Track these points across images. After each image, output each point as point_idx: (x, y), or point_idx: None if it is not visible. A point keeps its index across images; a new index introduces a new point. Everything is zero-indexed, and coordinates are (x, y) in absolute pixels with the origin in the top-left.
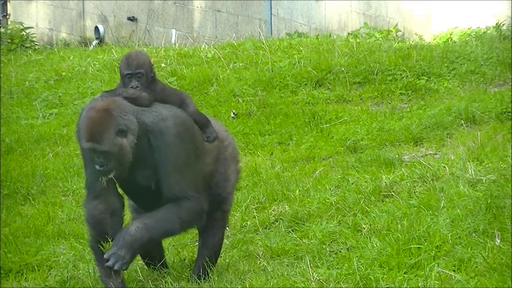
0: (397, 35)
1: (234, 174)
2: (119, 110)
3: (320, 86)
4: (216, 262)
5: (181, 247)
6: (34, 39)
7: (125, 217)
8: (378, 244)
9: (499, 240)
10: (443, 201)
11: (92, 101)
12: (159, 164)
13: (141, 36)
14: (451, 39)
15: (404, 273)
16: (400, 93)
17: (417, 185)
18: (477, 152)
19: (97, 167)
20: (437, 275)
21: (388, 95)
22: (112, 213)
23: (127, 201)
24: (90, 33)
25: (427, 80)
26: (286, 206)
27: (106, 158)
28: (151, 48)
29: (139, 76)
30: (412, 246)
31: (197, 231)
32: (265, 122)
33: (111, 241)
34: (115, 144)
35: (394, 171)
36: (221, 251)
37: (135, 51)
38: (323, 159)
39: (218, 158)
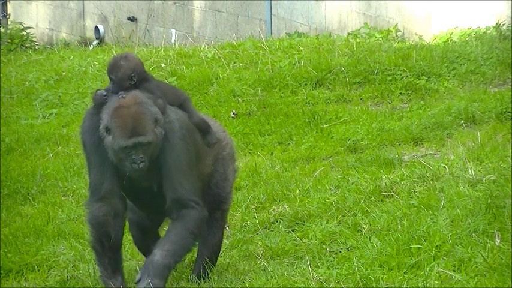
0: (397, 35)
1: (232, 174)
2: (145, 102)
3: (320, 86)
4: (216, 262)
5: None
6: (34, 39)
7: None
8: (378, 244)
9: (499, 240)
10: (443, 201)
11: (111, 102)
12: (163, 165)
13: (141, 36)
14: (451, 39)
15: (404, 273)
16: (400, 93)
17: (417, 185)
18: (477, 152)
19: (135, 166)
20: (437, 275)
21: (388, 95)
22: (115, 215)
23: None
24: (90, 33)
25: (427, 80)
26: (286, 206)
27: (146, 151)
28: (151, 48)
29: (112, 80)
30: (412, 246)
31: None
32: (265, 122)
33: (113, 242)
34: (155, 133)
35: (394, 171)
36: (221, 251)
37: (120, 55)
38: (323, 159)
39: (217, 158)
